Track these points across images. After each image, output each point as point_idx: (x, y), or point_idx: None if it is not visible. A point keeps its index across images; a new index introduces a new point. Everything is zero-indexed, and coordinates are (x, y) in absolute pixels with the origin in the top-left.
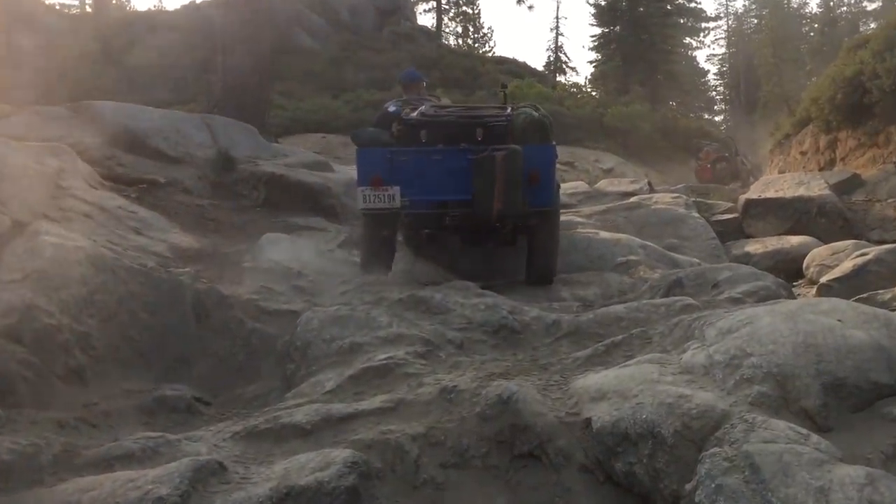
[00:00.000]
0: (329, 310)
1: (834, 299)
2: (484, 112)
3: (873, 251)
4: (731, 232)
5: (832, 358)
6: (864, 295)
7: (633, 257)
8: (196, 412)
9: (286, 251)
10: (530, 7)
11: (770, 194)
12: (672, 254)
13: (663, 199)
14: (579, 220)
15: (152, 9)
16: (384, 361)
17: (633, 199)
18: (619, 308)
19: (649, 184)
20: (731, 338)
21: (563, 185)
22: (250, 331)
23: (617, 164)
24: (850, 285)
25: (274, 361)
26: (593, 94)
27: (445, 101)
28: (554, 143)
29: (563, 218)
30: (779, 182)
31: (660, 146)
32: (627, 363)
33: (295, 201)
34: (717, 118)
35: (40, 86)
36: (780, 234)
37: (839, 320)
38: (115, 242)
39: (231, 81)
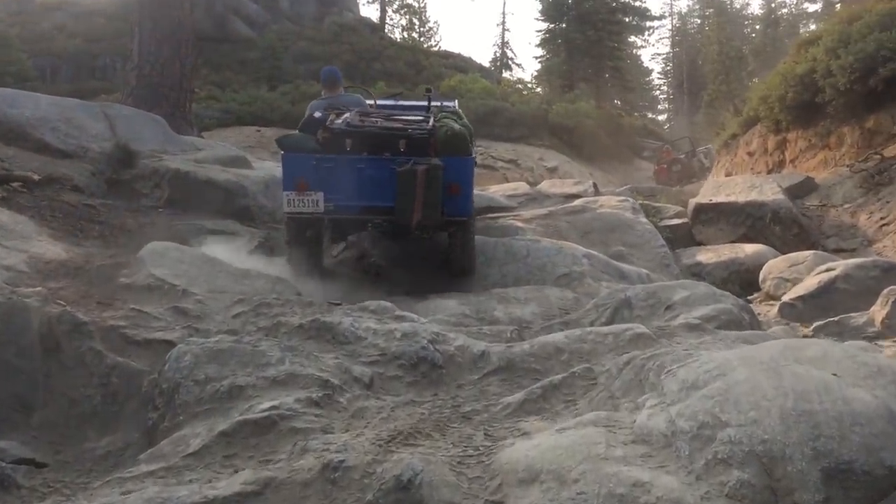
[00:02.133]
0: (208, 342)
1: (824, 342)
2: (407, 122)
3: (839, 266)
4: (680, 238)
5: (833, 432)
6: (835, 318)
7: (576, 268)
8: (10, 485)
9: (174, 263)
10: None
11: (721, 199)
12: (619, 264)
13: (609, 203)
14: (519, 224)
15: None
16: (266, 413)
17: (577, 203)
18: (559, 338)
19: (594, 185)
20: (697, 396)
21: (503, 186)
22: (110, 367)
23: (562, 163)
24: (816, 305)
25: (138, 405)
26: (538, 90)
27: (374, 97)
28: (474, 154)
29: (502, 223)
30: (730, 185)
31: (604, 145)
32: (566, 426)
33: (203, 202)
34: (660, 117)
35: None
36: (732, 242)
37: (835, 374)
38: None
39: (147, 69)
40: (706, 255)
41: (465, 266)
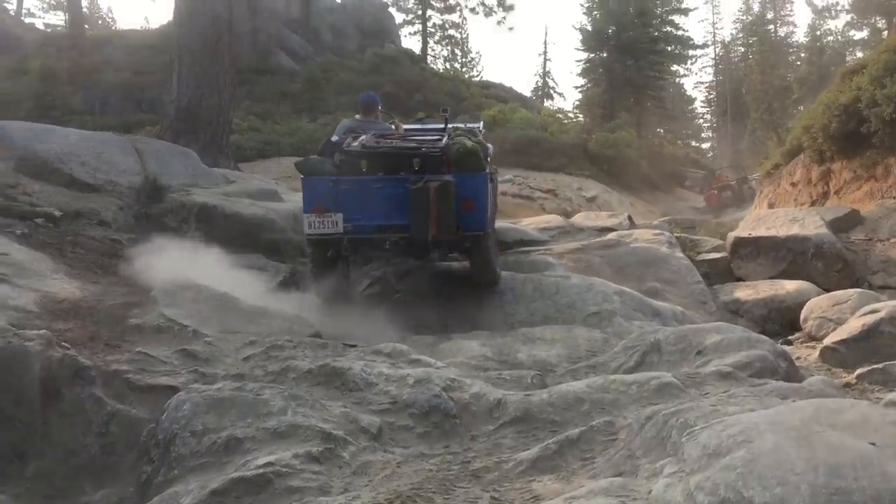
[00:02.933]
0: (208, 390)
1: (862, 405)
2: (421, 141)
3: (885, 307)
4: (718, 274)
5: None
6: (879, 365)
7: (607, 306)
8: None
9: (187, 303)
10: (510, 28)
11: (761, 232)
12: (652, 301)
13: (644, 236)
14: (550, 259)
15: (137, 28)
16: (261, 470)
17: (611, 236)
18: (580, 387)
19: (629, 218)
20: (720, 466)
21: (536, 219)
22: (110, 414)
23: (601, 192)
24: (860, 349)
25: (136, 457)
26: (578, 118)
27: (398, 124)
28: (488, 170)
29: (533, 258)
30: (770, 218)
31: (645, 174)
32: (576, 496)
33: (231, 236)
34: (704, 145)
35: (9, 104)
36: (772, 278)
37: (873, 443)
38: None
39: (185, 102)
40: (745, 292)
41: (489, 278)
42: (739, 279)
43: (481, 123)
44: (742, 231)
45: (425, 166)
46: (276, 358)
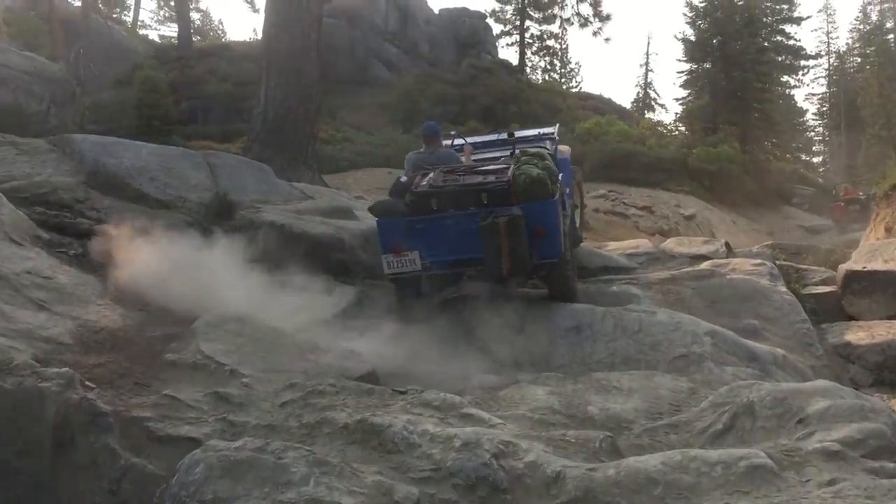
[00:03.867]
0: (226, 449)
1: None
2: (487, 173)
3: None
4: (827, 311)
5: None
6: None
7: (696, 349)
8: None
9: (229, 336)
10: (606, 39)
11: (878, 265)
12: (749, 343)
13: (742, 267)
14: (635, 290)
15: (245, 40)
16: None
17: (705, 265)
18: (653, 464)
19: (726, 245)
20: None
21: (624, 244)
22: (123, 469)
23: (701, 210)
24: None
25: None
26: (678, 130)
27: (468, 150)
28: (556, 195)
29: (617, 288)
30: (888, 249)
31: (749, 191)
32: None
33: (298, 256)
34: (815, 159)
35: (115, 114)
36: (890, 318)
37: None
38: None
39: (272, 114)
40: (857, 334)
41: (566, 299)
42: (851, 318)
43: (556, 128)
44: (855, 263)
45: (493, 199)
46: (315, 407)
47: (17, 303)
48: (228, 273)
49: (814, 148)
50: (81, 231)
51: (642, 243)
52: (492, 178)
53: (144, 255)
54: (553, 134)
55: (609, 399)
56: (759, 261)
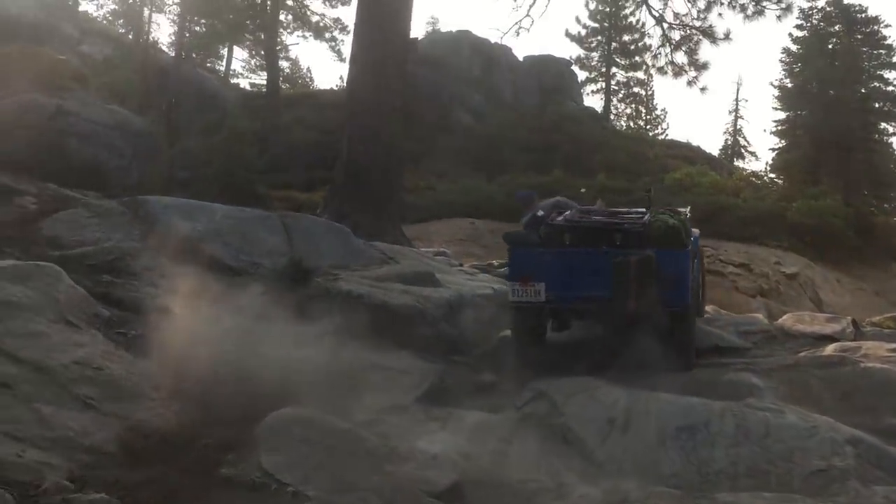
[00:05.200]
0: None
1: None
2: (624, 218)
3: None
4: None
5: None
6: None
7: (837, 462)
8: None
9: (295, 444)
10: (703, 89)
11: None
12: None
13: (877, 352)
14: (755, 380)
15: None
16: None
17: (832, 350)
18: None
19: (854, 323)
20: None
21: (735, 318)
22: None
23: (802, 268)
24: None
25: None
26: (777, 181)
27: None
28: (688, 247)
29: (732, 376)
30: None
31: (854, 247)
32: None
33: (378, 329)
34: None
35: (203, 162)
36: None
37: None
38: (22, 429)
39: (354, 168)
40: None
41: (685, 358)
42: None
43: (688, 209)
44: None
45: (627, 241)
46: None
47: (62, 402)
48: (299, 352)
49: None
50: (144, 305)
51: (755, 319)
52: (628, 221)
53: (206, 334)
54: (686, 212)
55: None
56: (895, 345)
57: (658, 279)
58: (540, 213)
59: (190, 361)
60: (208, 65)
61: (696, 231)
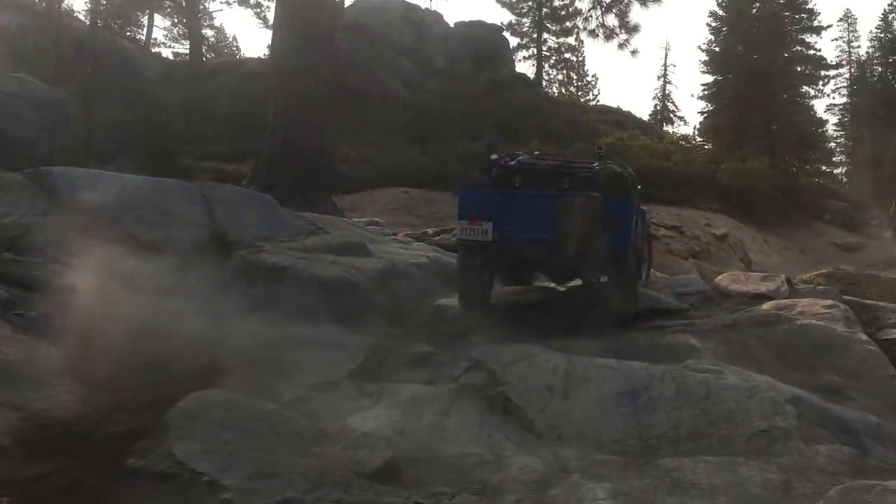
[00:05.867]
0: None
1: None
2: (574, 164)
3: None
4: None
5: None
6: None
7: (779, 421)
8: None
9: (212, 430)
10: (634, 52)
11: None
12: (837, 410)
13: (811, 310)
14: (694, 341)
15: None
16: None
17: (767, 307)
18: None
19: (788, 281)
20: None
21: (670, 280)
22: None
23: (732, 229)
24: None
25: None
26: (705, 147)
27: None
28: (636, 198)
29: (671, 339)
30: None
31: (780, 207)
32: None
33: (306, 303)
34: (836, 171)
35: (124, 135)
36: None
37: None
38: None
39: (281, 136)
40: None
41: (624, 307)
42: None
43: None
44: None
45: (575, 186)
46: None
47: None
48: (221, 329)
49: (834, 159)
50: (47, 283)
51: (692, 280)
52: (578, 166)
53: (116, 314)
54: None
55: (686, 499)
56: (830, 301)
57: (602, 223)
58: (494, 156)
59: (97, 343)
60: (128, 33)
61: (646, 209)
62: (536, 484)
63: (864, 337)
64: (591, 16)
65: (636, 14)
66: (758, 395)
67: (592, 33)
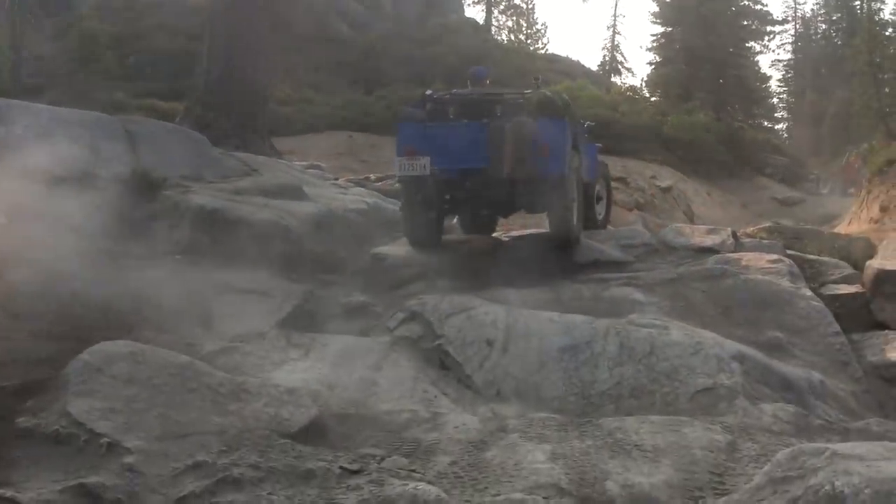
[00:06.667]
0: None
1: None
2: (506, 92)
3: None
4: (852, 315)
5: None
6: None
7: (723, 379)
8: None
9: (116, 385)
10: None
11: None
12: (781, 367)
13: (756, 264)
14: (638, 295)
15: None
16: None
17: (713, 261)
18: None
19: (734, 235)
20: None
21: (615, 232)
22: None
23: (676, 181)
24: None
25: None
26: (652, 99)
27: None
28: (570, 121)
29: (615, 292)
30: None
31: (724, 161)
32: None
33: (235, 247)
34: (777, 126)
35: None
36: None
37: None
38: None
39: (216, 73)
40: None
41: (565, 233)
42: (883, 325)
43: (587, 123)
44: (886, 261)
45: (507, 113)
46: None
47: None
48: (141, 274)
49: (776, 114)
50: None
51: (637, 232)
52: (509, 93)
53: (21, 256)
54: (587, 123)
55: (631, 466)
56: (775, 256)
57: (534, 146)
58: (429, 91)
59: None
60: None
61: (598, 145)
62: (472, 444)
63: (809, 293)
64: None
65: None
66: (702, 352)
67: None
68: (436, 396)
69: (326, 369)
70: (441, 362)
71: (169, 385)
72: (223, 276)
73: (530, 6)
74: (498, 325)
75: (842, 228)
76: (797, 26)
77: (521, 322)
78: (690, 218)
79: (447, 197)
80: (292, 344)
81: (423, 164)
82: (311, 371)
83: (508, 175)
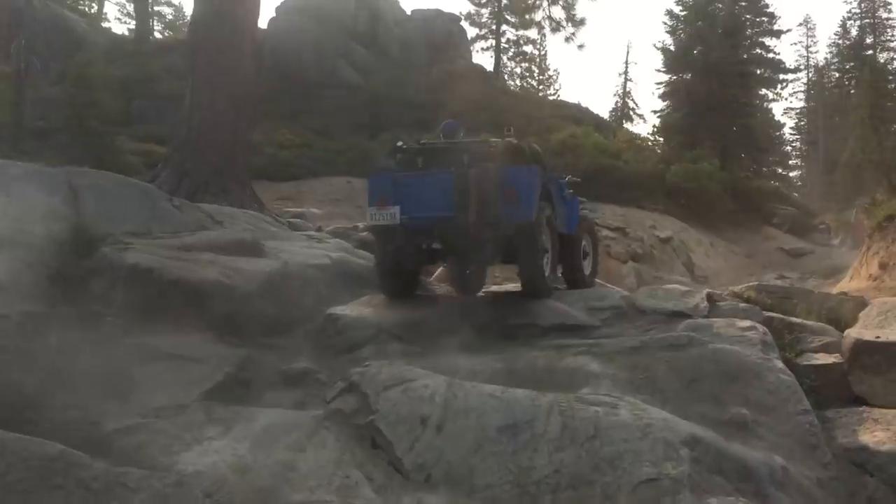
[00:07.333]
0: None
1: None
2: (474, 142)
3: None
4: (830, 386)
5: None
6: None
7: (670, 468)
8: None
9: None
10: (580, 46)
11: (894, 335)
12: (739, 451)
13: (727, 332)
14: (594, 367)
15: None
16: None
17: (682, 328)
18: None
19: (709, 298)
20: None
21: (585, 293)
22: None
23: (677, 231)
24: None
25: None
26: (657, 148)
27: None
28: (534, 166)
29: (570, 361)
30: None
31: (729, 210)
32: None
33: (172, 308)
34: (791, 174)
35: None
36: None
37: None
38: None
39: (197, 120)
40: (874, 434)
41: (535, 283)
42: (861, 399)
43: (569, 177)
44: (865, 329)
45: (474, 160)
46: None
47: None
48: (62, 341)
49: (790, 162)
50: None
51: (608, 295)
52: (477, 143)
53: None
54: (568, 177)
55: None
56: (748, 323)
57: (500, 191)
58: (399, 143)
59: None
60: (80, 7)
61: (582, 199)
62: None
63: (780, 364)
64: (539, 5)
65: (590, 10)
66: (651, 436)
67: (539, 25)
68: (357, 483)
69: (244, 450)
70: (373, 441)
71: (25, 482)
72: (154, 340)
73: (542, 53)
74: (436, 400)
75: (843, 284)
76: (810, 74)
77: (461, 397)
78: (690, 269)
79: (422, 247)
80: (213, 419)
81: (392, 213)
82: (224, 452)
83: (474, 222)
